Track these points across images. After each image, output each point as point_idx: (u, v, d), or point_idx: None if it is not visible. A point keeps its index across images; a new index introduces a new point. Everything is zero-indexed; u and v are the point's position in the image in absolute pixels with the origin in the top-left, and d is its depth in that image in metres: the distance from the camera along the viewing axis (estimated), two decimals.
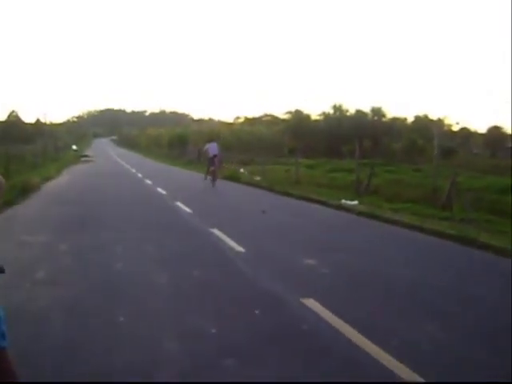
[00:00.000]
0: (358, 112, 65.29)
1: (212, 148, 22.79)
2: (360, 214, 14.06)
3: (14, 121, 77.50)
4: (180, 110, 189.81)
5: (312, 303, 5.81)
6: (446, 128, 63.33)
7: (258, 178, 25.82)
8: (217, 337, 4.86)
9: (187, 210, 14.16)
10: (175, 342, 4.74)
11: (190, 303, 5.93)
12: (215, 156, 22.25)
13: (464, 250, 9.78)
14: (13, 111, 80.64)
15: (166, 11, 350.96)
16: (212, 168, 22.20)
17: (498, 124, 68.27)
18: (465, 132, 66.73)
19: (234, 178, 26.56)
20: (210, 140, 25.37)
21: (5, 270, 2.76)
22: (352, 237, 10.98)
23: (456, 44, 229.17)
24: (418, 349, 4.70)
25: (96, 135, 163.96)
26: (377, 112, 64.55)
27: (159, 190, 20.10)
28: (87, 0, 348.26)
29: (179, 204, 15.27)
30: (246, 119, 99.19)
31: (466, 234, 10.43)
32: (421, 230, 11.50)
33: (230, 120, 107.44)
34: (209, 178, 22.33)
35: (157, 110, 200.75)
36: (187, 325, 5.17)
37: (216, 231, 10.54)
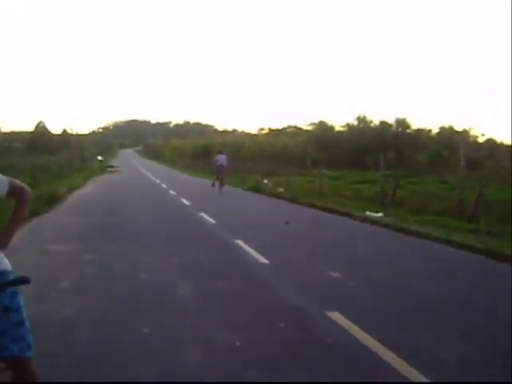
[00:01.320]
0: (382, 123, 64.85)
1: (220, 159, 26.25)
2: (385, 226, 13.92)
3: (41, 132, 78.72)
4: (204, 121, 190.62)
5: (337, 316, 5.73)
6: (471, 139, 62.64)
7: (281, 190, 25.75)
8: (241, 349, 4.81)
9: (211, 220, 14.16)
10: (198, 353, 4.71)
11: (213, 315, 5.89)
12: (222, 165, 25.66)
13: (492, 263, 9.60)
14: (40, 122, 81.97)
15: (190, 23, 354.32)
16: (220, 176, 25.41)
17: None
18: (491, 143, 65.85)
19: (257, 189, 26.54)
20: (219, 152, 28.96)
21: (30, 279, 2.77)
22: (377, 249, 10.86)
23: (482, 55, 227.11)
24: (444, 364, 4.59)
25: (121, 146, 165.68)
26: (401, 123, 64.03)
27: (183, 200, 20.16)
28: (113, 13, 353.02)
29: (203, 215, 15.29)
30: (270, 130, 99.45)
31: (494, 248, 10.24)
32: (447, 242, 11.32)
33: (254, 131, 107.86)
34: (217, 183, 25.35)
35: (181, 121, 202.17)
36: (211, 337, 5.13)
37: (240, 242, 10.52)
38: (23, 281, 2.77)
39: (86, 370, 4.33)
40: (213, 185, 25.60)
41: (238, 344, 4.92)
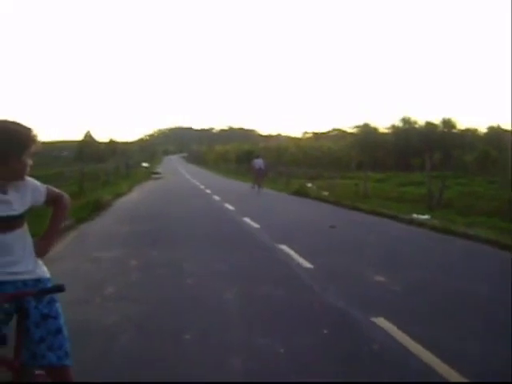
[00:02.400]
0: (428, 124, 63.77)
1: (257, 163, 29.82)
2: (432, 228, 13.59)
3: (88, 140, 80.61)
4: (247, 127, 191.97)
5: (382, 322, 5.57)
6: None
7: (325, 193, 25.54)
8: (285, 356, 4.71)
9: (255, 225, 14.10)
10: (241, 360, 4.63)
11: (257, 321, 5.81)
12: (260, 169, 29.26)
13: None
14: (88, 131, 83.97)
15: (232, 30, 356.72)
16: (259, 179, 29.07)
17: None
18: None
19: (301, 193, 26.39)
20: (257, 156, 33.06)
21: (65, 287, 2.75)
22: (424, 252, 10.59)
23: None
24: (493, 372, 4.38)
25: (166, 152, 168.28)
26: (447, 123, 62.82)
27: (227, 205, 20.18)
28: (157, 24, 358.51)
29: (247, 220, 15.24)
30: (314, 134, 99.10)
31: None
32: (498, 244, 10.95)
33: (298, 135, 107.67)
34: (256, 186, 28.78)
35: (225, 127, 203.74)
36: (254, 343, 5.05)
37: (284, 247, 10.42)
38: (59, 289, 2.76)
39: (127, 375, 4.30)
40: (253, 187, 29.21)
41: (281, 351, 4.82)
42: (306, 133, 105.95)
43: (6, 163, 2.71)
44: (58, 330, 2.92)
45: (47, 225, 3.12)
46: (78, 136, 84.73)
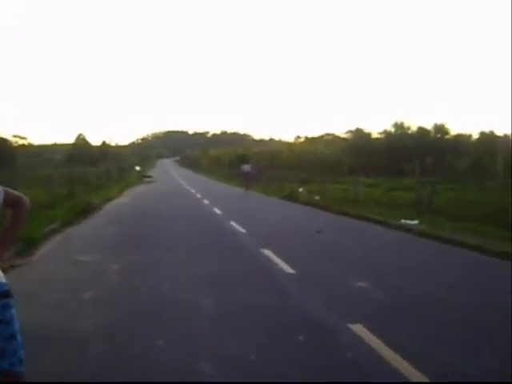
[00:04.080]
0: (420, 129, 63.89)
1: (245, 168, 33.45)
2: (420, 234, 13.54)
3: (81, 143, 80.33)
4: (241, 131, 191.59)
5: (359, 329, 5.50)
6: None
7: (316, 198, 25.48)
8: (256, 363, 4.63)
9: (242, 230, 14.03)
10: (212, 366, 4.54)
11: (232, 327, 5.72)
12: (248, 173, 32.78)
13: None
14: (80, 134, 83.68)
15: (226, 35, 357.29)
16: (245, 182, 32.55)
17: None
18: None
19: (292, 197, 26.35)
20: (246, 162, 38.78)
21: (11, 293, 2.68)
22: (410, 259, 10.54)
23: None
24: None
25: (160, 156, 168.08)
26: (439, 129, 62.98)
27: (215, 209, 20.11)
28: (151, 26, 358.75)
29: (234, 224, 15.18)
30: (307, 139, 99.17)
31: None
32: (485, 251, 10.90)
33: (291, 140, 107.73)
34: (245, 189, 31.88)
35: (218, 131, 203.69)
36: (226, 349, 4.96)
37: (268, 252, 10.33)
38: (4, 295, 2.68)
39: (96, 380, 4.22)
40: (244, 191, 31.65)
41: (252, 357, 4.74)
42: (298, 137, 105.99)
43: None
44: (12, 336, 2.84)
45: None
46: (72, 139, 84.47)
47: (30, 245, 10.54)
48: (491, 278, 8.89)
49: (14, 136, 63.40)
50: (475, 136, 68.87)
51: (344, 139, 74.96)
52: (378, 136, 67.88)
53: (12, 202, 3.03)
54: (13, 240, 3.15)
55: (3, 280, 2.96)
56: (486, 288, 7.96)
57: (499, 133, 65.70)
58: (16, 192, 3.09)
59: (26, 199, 3.11)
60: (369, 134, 68.86)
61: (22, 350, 2.88)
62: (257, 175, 36.74)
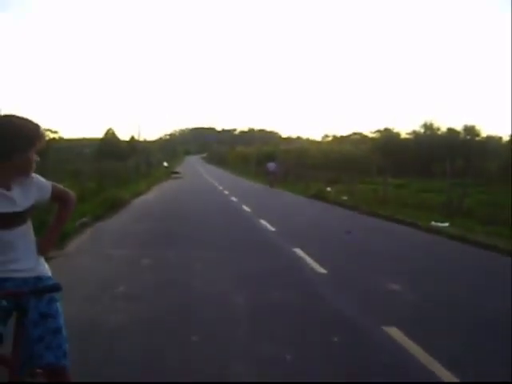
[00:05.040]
0: (450, 130, 63.03)
1: (270, 166, 37.00)
2: (451, 236, 13.37)
3: (110, 138, 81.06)
4: (268, 128, 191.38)
5: (395, 332, 5.44)
6: None
7: (344, 198, 25.34)
8: (291, 364, 4.62)
9: (271, 228, 14.02)
10: (246, 366, 4.54)
11: (265, 326, 5.70)
12: (273, 171, 36.14)
13: None
14: (109, 129, 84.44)
15: (257, 32, 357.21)
16: (271, 180, 35.60)
17: None
18: None
19: (320, 196, 26.23)
20: (271, 160, 42.12)
21: (61, 287, 2.69)
22: (441, 261, 10.39)
23: None
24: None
25: (187, 152, 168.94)
26: (470, 131, 62.02)
27: (244, 207, 20.14)
28: (177, 21, 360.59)
29: (263, 222, 15.18)
30: (335, 138, 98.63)
31: None
32: None
33: (319, 138, 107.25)
34: (269, 186, 35.04)
35: (246, 129, 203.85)
36: (261, 349, 4.95)
37: (298, 251, 10.32)
38: (54, 288, 2.70)
39: (130, 375, 4.24)
40: (268, 187, 34.73)
41: (288, 357, 4.73)
42: (326, 136, 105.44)
43: (10, 159, 2.66)
44: (57, 330, 2.86)
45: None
46: (101, 134, 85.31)
47: (63, 238, 10.67)
48: None
49: (46, 130, 64.24)
50: (506, 138, 67.72)
51: (372, 139, 74.38)
52: (407, 136, 67.16)
53: (59, 197, 3.04)
54: (59, 235, 3.17)
55: (48, 273, 2.98)
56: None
57: None
58: (62, 187, 3.11)
59: (73, 194, 3.12)
60: (397, 134, 68.18)
61: (67, 344, 2.90)
62: (281, 173, 39.04)
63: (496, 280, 8.82)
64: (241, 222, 15.91)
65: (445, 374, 4.41)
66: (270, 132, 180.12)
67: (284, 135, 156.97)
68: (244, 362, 4.62)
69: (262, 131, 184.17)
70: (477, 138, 61.66)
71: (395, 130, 69.61)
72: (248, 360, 4.68)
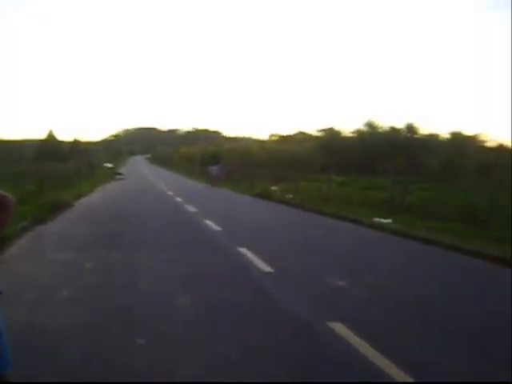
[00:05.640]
0: (392, 129, 64.46)
1: (212, 169, 39.21)
2: (393, 232, 13.68)
3: (51, 140, 79.13)
4: (212, 128, 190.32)
5: (340, 328, 5.51)
6: (482, 144, 61.92)
7: (289, 196, 25.56)
8: (237, 362, 4.61)
9: (217, 228, 13.97)
10: (191, 366, 4.50)
11: (211, 326, 5.67)
12: (215, 174, 38.28)
13: (504, 271, 9.36)
14: (50, 130, 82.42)
15: (198, 30, 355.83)
16: (212, 179, 37.90)
17: None
18: (504, 148, 65.08)
19: (265, 195, 26.36)
20: (215, 162, 45.23)
21: (1, 291, 2.60)
22: (385, 257, 10.63)
23: (487, 59, 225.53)
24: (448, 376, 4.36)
25: (131, 153, 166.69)
26: (410, 128, 63.56)
27: (189, 207, 20.00)
28: (122, 22, 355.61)
29: (208, 222, 15.11)
30: (280, 137, 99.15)
31: (503, 254, 9.99)
32: (459, 249, 11.07)
33: (264, 138, 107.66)
34: (209, 185, 37.30)
35: (190, 129, 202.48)
36: (205, 348, 4.92)
37: (245, 250, 10.31)
38: None
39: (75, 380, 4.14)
40: (208, 186, 36.84)
41: (233, 357, 4.72)
42: (272, 135, 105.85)
43: None
44: None
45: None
46: (42, 135, 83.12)
47: (2, 242, 10.31)
48: (461, 275, 9.03)
49: None
50: (444, 136, 69.70)
51: (316, 138, 75.15)
52: (351, 135, 68.23)
53: None
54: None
55: None
56: (462, 287, 8.08)
57: (469, 133, 66.76)
58: (0, 190, 3.00)
59: (11, 198, 3.01)
60: (341, 133, 69.19)
61: (8, 350, 2.80)
62: (224, 174, 40.53)
63: (438, 273, 9.09)
64: (186, 222, 15.79)
65: (392, 369, 4.48)
66: (215, 132, 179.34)
67: (228, 135, 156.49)
68: (191, 363, 4.58)
69: (206, 131, 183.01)
70: (417, 136, 63.14)
71: (339, 129, 70.62)
72: (195, 361, 4.64)
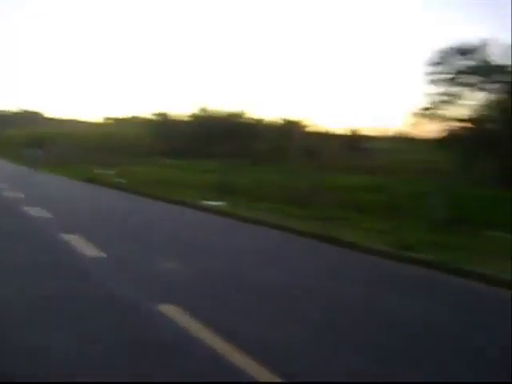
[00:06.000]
0: (224, 113, 65.72)
1: (29, 152, 39.35)
2: (222, 214, 14.09)
3: None
4: (34, 109, 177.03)
5: (171, 309, 5.52)
6: (307, 129, 65.36)
7: (122, 180, 25.08)
8: (59, 352, 4.41)
9: (45, 215, 12.80)
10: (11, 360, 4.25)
11: (35, 317, 5.36)
12: (35, 155, 37.42)
13: (324, 246, 10.08)
14: None
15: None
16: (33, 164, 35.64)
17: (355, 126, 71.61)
18: (326, 134, 69.27)
19: (96, 180, 25.57)
20: (38, 145, 44.80)
21: None
22: (212, 237, 10.92)
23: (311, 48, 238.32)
24: (295, 360, 4.48)
25: None
26: (242, 114, 65.26)
27: (14, 193, 18.65)
28: None
29: (36, 209, 14.15)
30: (116, 120, 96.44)
31: (321, 231, 10.80)
32: (280, 228, 11.72)
33: (99, 120, 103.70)
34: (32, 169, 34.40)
35: (18, 110, 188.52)
36: (28, 339, 4.66)
37: (71, 236, 9.83)
38: None
39: None
40: (34, 170, 34.21)
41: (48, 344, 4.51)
42: (108, 118, 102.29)
43: None
44: None
45: None
46: None
47: None
48: (286, 253, 9.61)
49: None
50: (274, 120, 72.40)
51: (150, 121, 74.20)
52: (185, 119, 68.37)
53: None
54: None
55: None
56: (284, 263, 8.56)
57: (295, 118, 70.04)
58: None
59: None
60: (175, 118, 69.03)
61: None
62: (50, 157, 39.00)
63: (262, 250, 9.55)
64: (10, 210, 14.66)
65: (224, 347, 4.53)
66: (35, 113, 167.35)
67: (51, 116, 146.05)
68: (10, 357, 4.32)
69: (26, 112, 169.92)
70: (250, 122, 64.98)
71: (173, 114, 70.36)
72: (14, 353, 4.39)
